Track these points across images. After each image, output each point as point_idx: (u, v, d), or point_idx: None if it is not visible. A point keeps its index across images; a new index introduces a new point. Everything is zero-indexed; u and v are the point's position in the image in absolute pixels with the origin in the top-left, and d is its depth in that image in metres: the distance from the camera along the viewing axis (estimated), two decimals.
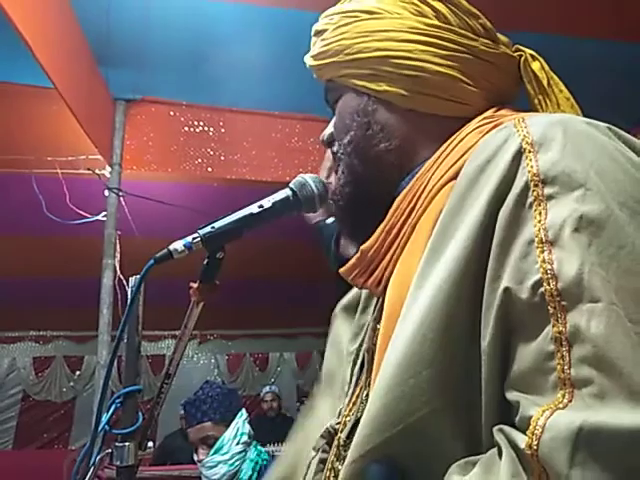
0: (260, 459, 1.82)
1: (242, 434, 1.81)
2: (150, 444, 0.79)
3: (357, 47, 0.66)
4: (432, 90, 0.64)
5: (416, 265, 0.54)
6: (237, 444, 1.78)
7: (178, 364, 0.75)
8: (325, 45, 0.69)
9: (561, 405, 0.40)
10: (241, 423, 1.83)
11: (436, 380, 0.48)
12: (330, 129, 0.74)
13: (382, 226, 0.62)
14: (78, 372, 7.07)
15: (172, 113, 2.99)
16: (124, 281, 2.59)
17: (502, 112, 0.63)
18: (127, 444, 0.73)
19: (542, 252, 0.44)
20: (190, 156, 2.97)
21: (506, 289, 0.45)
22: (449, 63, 0.63)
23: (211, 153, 2.99)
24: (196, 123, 3.00)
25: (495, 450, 0.45)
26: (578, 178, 0.45)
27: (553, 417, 0.40)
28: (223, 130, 3.03)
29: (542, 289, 0.43)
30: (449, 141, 0.61)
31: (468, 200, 0.51)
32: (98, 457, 0.75)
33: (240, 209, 0.75)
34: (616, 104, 3.05)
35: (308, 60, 0.74)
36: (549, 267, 0.43)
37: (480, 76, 0.65)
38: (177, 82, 2.90)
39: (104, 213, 2.75)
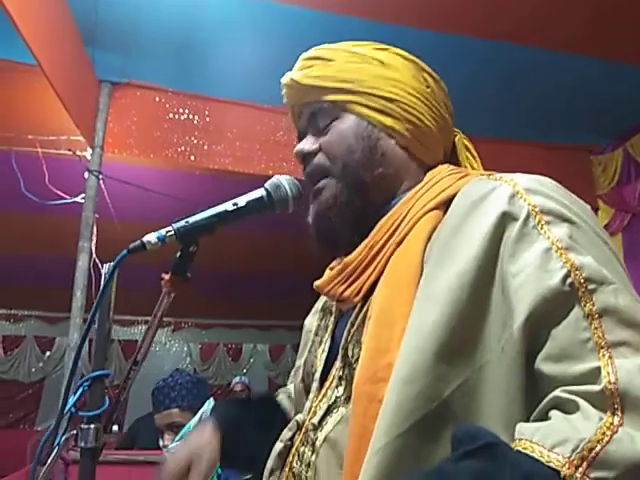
0: None
1: None
2: (115, 428, 0.81)
3: (371, 84, 0.77)
4: (421, 138, 0.79)
5: (406, 275, 0.65)
6: None
7: (147, 352, 0.77)
8: (335, 71, 0.78)
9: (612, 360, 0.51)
10: (208, 411, 1.84)
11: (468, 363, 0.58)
12: (314, 145, 0.79)
13: (365, 242, 0.73)
14: (48, 353, 6.99)
15: (157, 99, 2.97)
16: (99, 265, 2.57)
17: (456, 167, 0.79)
18: (92, 426, 0.74)
19: (561, 255, 0.57)
20: (173, 143, 2.96)
21: (532, 285, 0.56)
22: (434, 122, 0.79)
23: (194, 142, 2.98)
24: (181, 110, 2.99)
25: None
26: (565, 215, 0.61)
27: (618, 361, 0.50)
28: (208, 119, 3.02)
29: (570, 279, 0.55)
30: (425, 180, 0.76)
31: (466, 226, 0.63)
32: (63, 438, 0.76)
33: (221, 198, 0.78)
34: (594, 119, 3.13)
35: (303, 78, 0.80)
36: (571, 263, 0.56)
37: (444, 136, 0.82)
38: (165, 68, 2.89)
39: (83, 195, 2.72)
